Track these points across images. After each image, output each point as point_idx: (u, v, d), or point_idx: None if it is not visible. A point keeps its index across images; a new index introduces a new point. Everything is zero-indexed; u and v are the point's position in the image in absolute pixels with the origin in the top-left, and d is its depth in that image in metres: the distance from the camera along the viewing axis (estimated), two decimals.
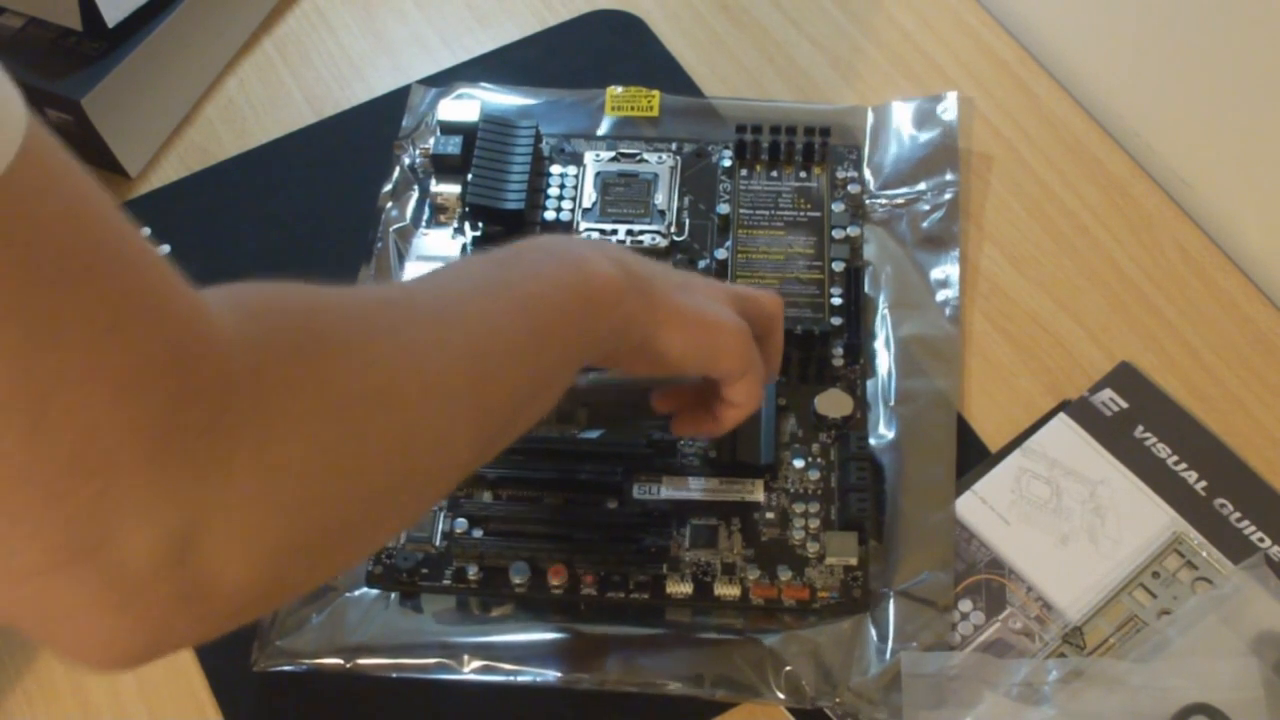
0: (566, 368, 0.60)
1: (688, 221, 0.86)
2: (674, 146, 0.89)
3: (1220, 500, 0.75)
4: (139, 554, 0.39)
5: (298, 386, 0.45)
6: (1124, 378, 0.80)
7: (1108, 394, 0.79)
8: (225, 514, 0.41)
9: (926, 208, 0.86)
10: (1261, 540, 0.74)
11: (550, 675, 0.71)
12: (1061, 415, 0.79)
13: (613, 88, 0.92)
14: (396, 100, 0.93)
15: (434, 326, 0.52)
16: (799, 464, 0.76)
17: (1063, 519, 0.75)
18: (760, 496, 0.75)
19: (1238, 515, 0.75)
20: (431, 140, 0.88)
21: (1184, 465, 0.77)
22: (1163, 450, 0.77)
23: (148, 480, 0.39)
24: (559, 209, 0.86)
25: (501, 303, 0.56)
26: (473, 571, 0.73)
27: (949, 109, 0.90)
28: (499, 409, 0.55)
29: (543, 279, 0.58)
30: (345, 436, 0.46)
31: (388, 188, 0.88)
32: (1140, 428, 0.78)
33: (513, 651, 0.71)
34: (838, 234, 0.84)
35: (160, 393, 0.39)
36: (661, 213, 0.86)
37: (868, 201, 0.87)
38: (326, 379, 0.46)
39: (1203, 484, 0.76)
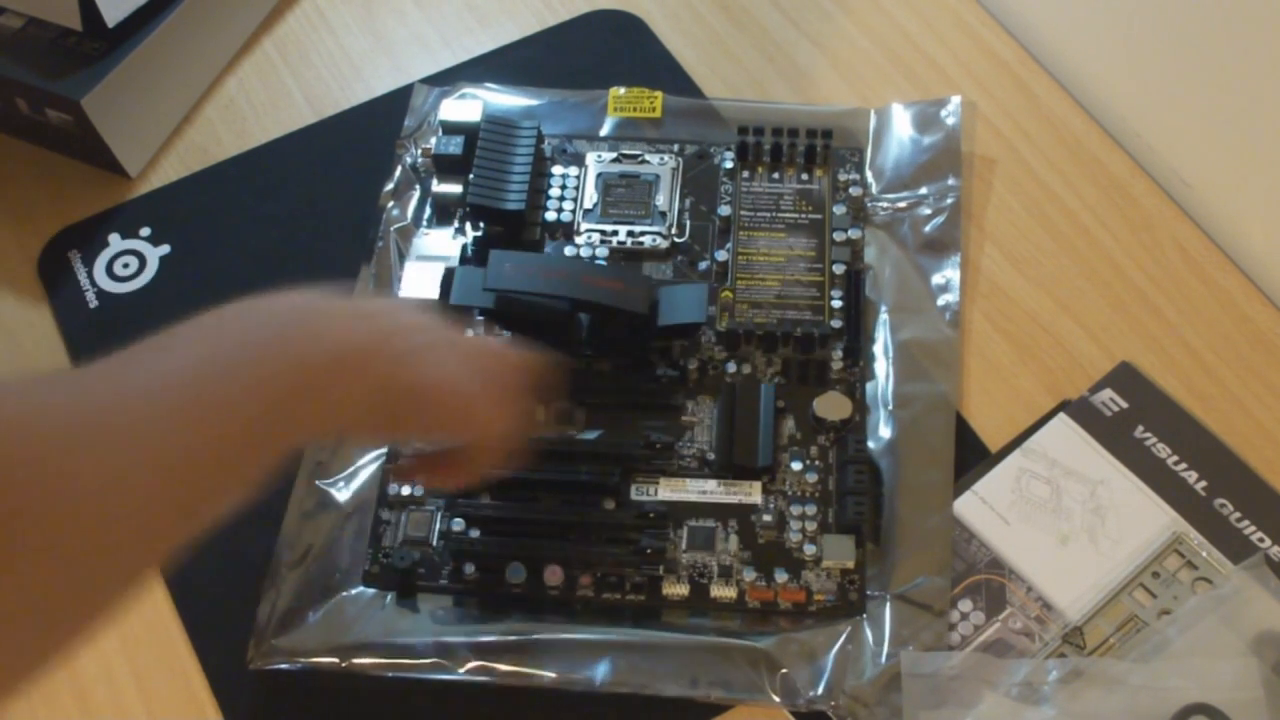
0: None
1: (689, 223, 0.86)
2: (675, 148, 0.89)
3: (1220, 500, 0.75)
4: None
5: None
6: (1124, 378, 0.80)
7: (1108, 394, 0.79)
8: None
9: (928, 212, 0.86)
10: (1261, 540, 0.74)
11: (546, 676, 0.71)
12: (1061, 415, 0.79)
13: (615, 89, 0.92)
14: (397, 100, 0.93)
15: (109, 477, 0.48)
16: (797, 466, 0.76)
17: (1063, 519, 0.75)
18: (758, 499, 0.75)
19: (1238, 515, 0.75)
20: (433, 140, 0.88)
21: (1184, 465, 0.76)
22: (1163, 450, 0.77)
23: None
24: (560, 210, 0.86)
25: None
26: (469, 571, 0.73)
27: (952, 113, 0.90)
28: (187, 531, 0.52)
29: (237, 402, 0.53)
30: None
31: (389, 187, 0.88)
32: (1140, 428, 0.78)
33: (509, 652, 0.71)
34: (839, 236, 0.84)
35: None
36: (662, 214, 0.86)
37: (869, 204, 0.86)
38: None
39: (1203, 484, 0.76)
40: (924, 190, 0.87)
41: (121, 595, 0.50)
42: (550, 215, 0.86)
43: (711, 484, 0.76)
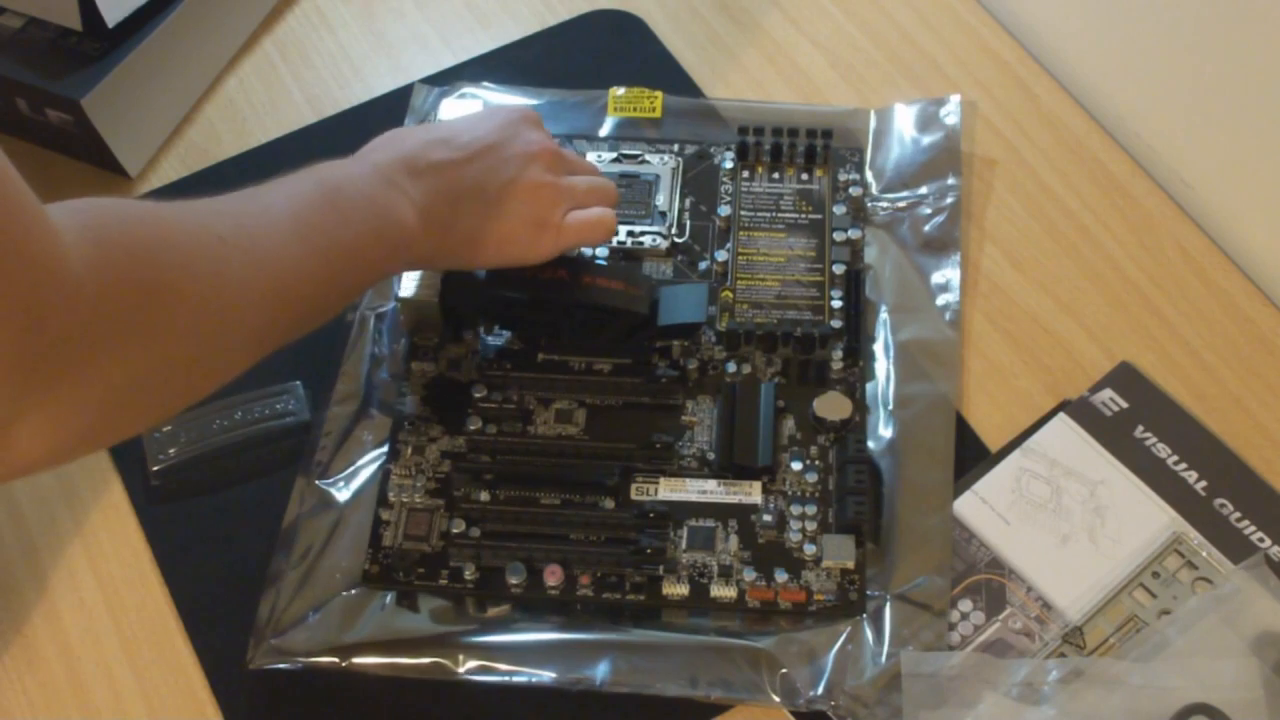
0: (356, 293, 0.77)
1: (689, 223, 0.86)
2: (676, 148, 0.89)
3: (1220, 500, 0.75)
4: None
5: (126, 322, 0.54)
6: (1124, 378, 0.80)
7: (1108, 394, 0.79)
8: (39, 413, 0.52)
9: (928, 212, 0.86)
10: (1261, 540, 0.74)
11: (546, 676, 0.71)
12: (1061, 415, 0.79)
13: (615, 89, 0.92)
14: (397, 100, 0.93)
15: (247, 267, 0.61)
16: (797, 466, 0.76)
17: (1063, 519, 0.75)
18: (758, 498, 0.75)
19: (1238, 515, 0.75)
20: None
21: (1184, 465, 0.76)
22: (1163, 450, 0.77)
23: None
24: None
25: (309, 249, 0.65)
26: (469, 572, 0.73)
27: (952, 113, 0.90)
28: (285, 333, 0.66)
29: (350, 227, 0.67)
30: (153, 364, 0.56)
31: None
32: (1140, 428, 0.78)
33: (508, 652, 0.71)
34: (839, 236, 0.84)
35: (11, 329, 0.49)
36: (663, 214, 0.86)
37: (869, 204, 0.86)
38: (151, 317, 0.56)
39: (1203, 484, 0.76)
40: (924, 190, 0.87)
41: (233, 375, 0.63)
42: None
43: (711, 484, 0.76)
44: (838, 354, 0.80)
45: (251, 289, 0.61)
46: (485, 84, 0.93)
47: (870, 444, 0.77)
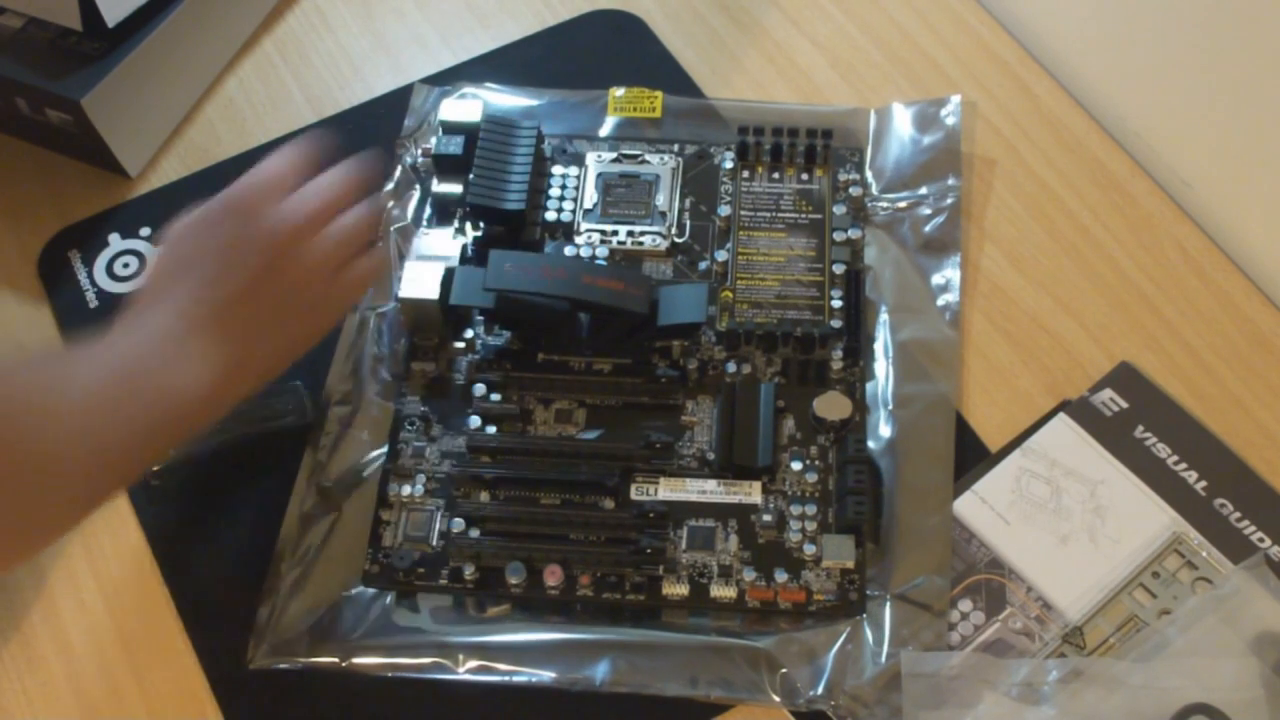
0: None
1: (689, 223, 0.86)
2: (676, 148, 0.89)
3: (1220, 500, 0.75)
4: None
5: None
6: (1124, 378, 0.80)
7: (1108, 394, 0.79)
8: None
9: (928, 212, 0.86)
10: (1261, 540, 0.74)
11: (546, 676, 0.71)
12: (1061, 415, 0.79)
13: (615, 89, 0.92)
14: (397, 100, 0.93)
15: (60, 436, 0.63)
16: (797, 466, 0.76)
17: (1063, 519, 0.75)
18: (758, 498, 0.75)
19: (1238, 515, 0.75)
20: (433, 140, 0.88)
21: (1184, 465, 0.76)
22: (1163, 450, 0.77)
23: None
24: (560, 210, 0.86)
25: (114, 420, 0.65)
26: (469, 571, 0.73)
27: (952, 113, 0.90)
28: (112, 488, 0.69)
29: (139, 424, 0.66)
30: None
31: (389, 186, 0.88)
32: (1140, 428, 0.78)
33: (508, 652, 0.71)
34: (839, 236, 0.84)
35: None
36: (663, 214, 0.86)
37: (869, 204, 0.86)
38: None
39: (1203, 484, 0.76)
40: (924, 190, 0.87)
41: (45, 540, 0.67)
42: (550, 215, 0.86)
43: (711, 484, 0.76)
44: (838, 354, 0.80)
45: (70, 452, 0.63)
46: (485, 84, 0.93)
47: (870, 444, 0.77)
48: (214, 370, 0.68)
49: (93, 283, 0.86)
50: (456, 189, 0.86)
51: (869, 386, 0.79)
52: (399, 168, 0.89)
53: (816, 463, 0.76)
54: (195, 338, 0.68)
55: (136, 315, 0.69)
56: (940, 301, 0.83)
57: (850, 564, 0.73)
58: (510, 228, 0.84)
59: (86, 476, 0.64)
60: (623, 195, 0.86)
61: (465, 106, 0.88)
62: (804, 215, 0.85)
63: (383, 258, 0.77)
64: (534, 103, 0.92)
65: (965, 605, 0.73)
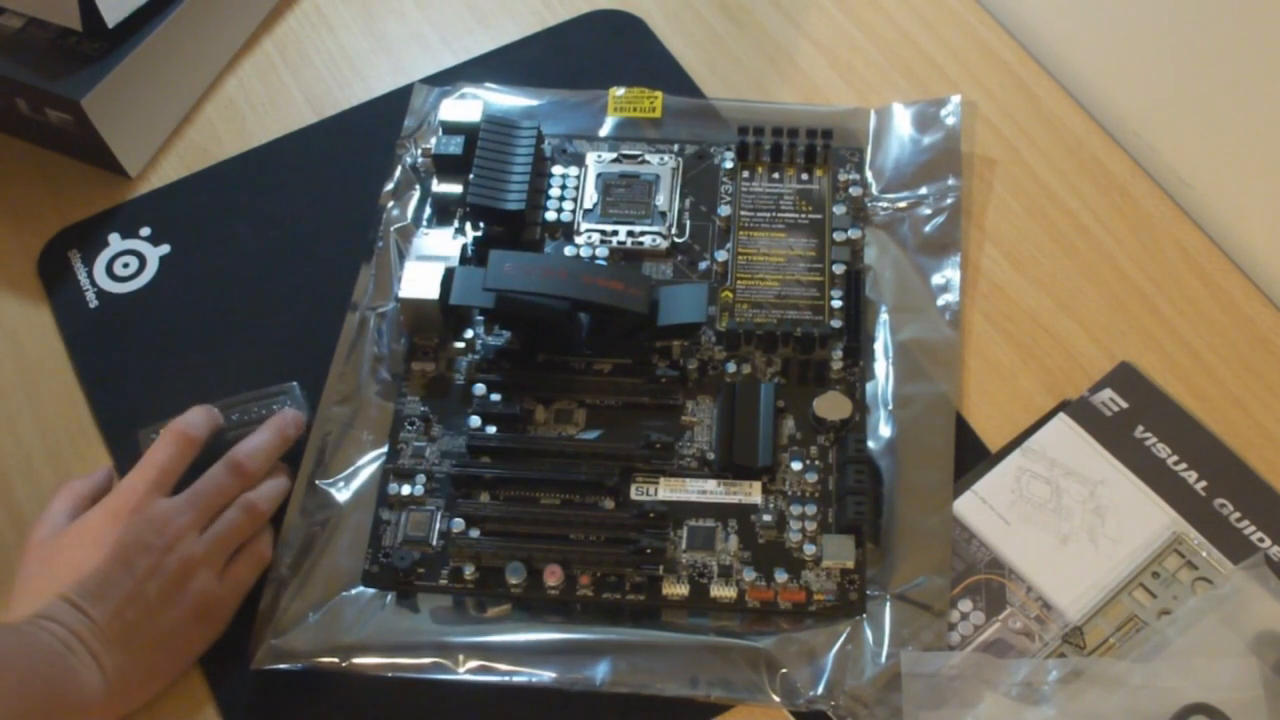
0: None
1: (689, 223, 0.86)
2: (676, 148, 0.89)
3: (1220, 500, 0.75)
4: None
5: None
6: (1124, 378, 0.80)
7: (1108, 394, 0.79)
8: None
9: (928, 212, 0.86)
10: (1261, 540, 0.74)
11: (546, 676, 0.71)
12: (1061, 415, 0.79)
13: (615, 89, 0.92)
14: (397, 100, 0.93)
15: None
16: (797, 466, 0.76)
17: (1063, 519, 0.75)
18: (758, 498, 0.75)
19: (1238, 515, 0.75)
20: (433, 140, 0.88)
21: (1184, 465, 0.76)
22: (1163, 450, 0.77)
23: None
24: (560, 210, 0.86)
25: None
26: (469, 571, 0.73)
27: (952, 113, 0.90)
28: None
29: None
30: None
31: (389, 187, 0.88)
32: (1140, 428, 0.78)
33: (508, 652, 0.71)
34: (839, 236, 0.84)
35: None
36: (662, 214, 0.86)
37: (869, 204, 0.86)
38: None
39: (1203, 484, 0.76)
40: (924, 190, 0.87)
41: None
42: (550, 215, 0.86)
43: (711, 484, 0.76)
44: (838, 354, 0.80)
45: None
46: (485, 84, 0.93)
47: (870, 444, 0.77)
48: (112, 680, 0.67)
49: (92, 282, 0.86)
50: (456, 189, 0.86)
51: (869, 386, 0.79)
52: (399, 168, 0.89)
53: (816, 463, 0.76)
54: (100, 649, 0.67)
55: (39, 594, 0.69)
56: (940, 301, 0.83)
57: (850, 564, 0.73)
58: (510, 228, 0.84)
59: None
60: (623, 195, 0.86)
61: (465, 106, 0.88)
62: (804, 215, 0.85)
63: (263, 552, 0.75)
64: (534, 103, 0.92)
65: (965, 605, 0.73)
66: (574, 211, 0.86)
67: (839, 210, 0.85)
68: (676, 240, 0.85)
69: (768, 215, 0.85)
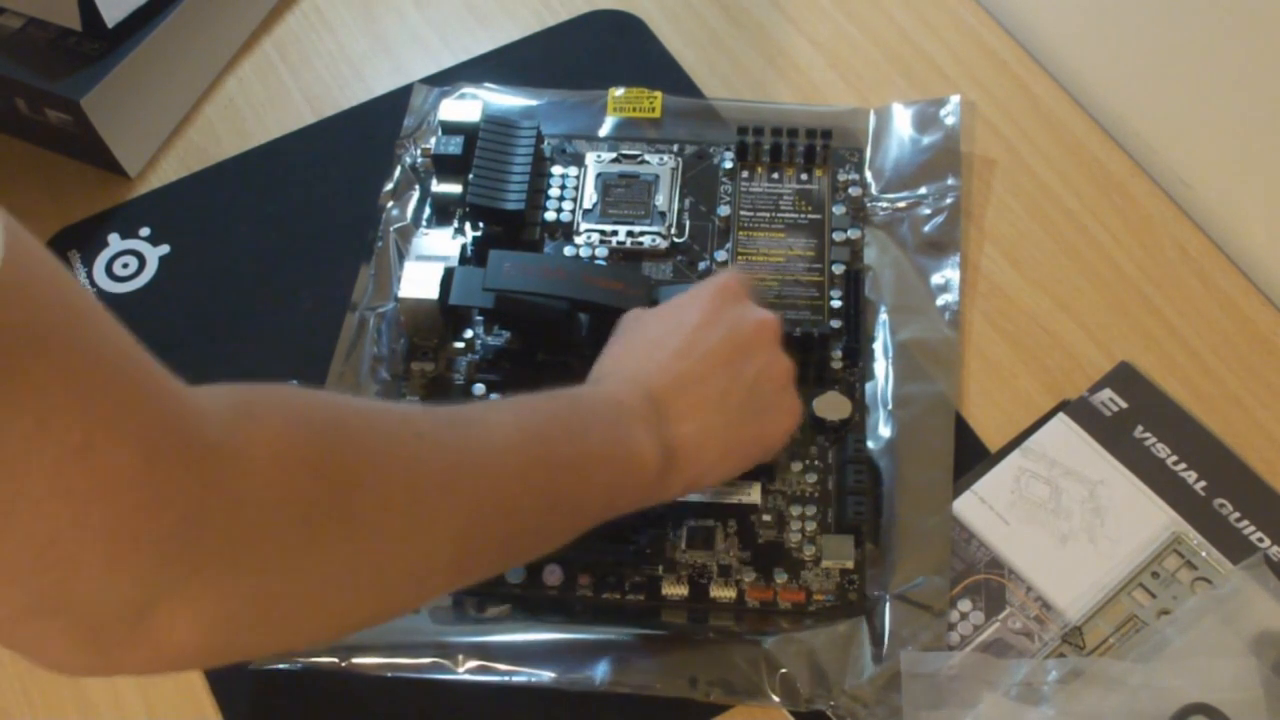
0: (576, 525, 0.63)
1: (688, 223, 0.86)
2: (675, 148, 0.89)
3: (1220, 500, 0.75)
4: (99, 613, 0.44)
5: (295, 514, 0.48)
6: (1124, 378, 0.80)
7: (1107, 394, 0.79)
8: (181, 597, 0.45)
9: (928, 212, 0.86)
10: (1261, 540, 0.74)
11: (545, 676, 0.71)
12: (1061, 415, 0.79)
13: (614, 89, 0.92)
14: (397, 100, 0.93)
15: (449, 469, 0.55)
16: (796, 466, 0.76)
17: (1062, 519, 0.75)
18: (757, 498, 0.75)
19: (1237, 515, 0.75)
20: (433, 140, 0.88)
21: (1184, 465, 0.76)
22: (1162, 450, 0.77)
23: (107, 573, 0.43)
24: (559, 210, 0.86)
25: (526, 459, 0.59)
26: None
27: (951, 113, 0.90)
28: (492, 557, 0.59)
29: (580, 442, 0.61)
30: (315, 577, 0.50)
31: (389, 187, 0.88)
32: (1140, 428, 0.78)
33: (508, 652, 0.71)
34: (838, 236, 0.84)
35: (126, 504, 0.42)
36: (662, 214, 0.86)
37: (869, 204, 0.86)
38: (330, 510, 0.49)
39: (1202, 484, 0.76)
40: (923, 190, 0.87)
41: (424, 599, 0.59)
42: (550, 215, 0.86)
43: None
44: (837, 354, 0.80)
45: (454, 494, 0.55)
46: (485, 84, 0.93)
47: (870, 444, 0.77)
48: (667, 460, 0.65)
49: (92, 283, 0.86)
50: (456, 189, 0.86)
51: (869, 386, 0.79)
52: (399, 168, 0.89)
53: (816, 463, 0.76)
54: (668, 430, 0.65)
55: (620, 361, 0.69)
56: (940, 301, 0.83)
57: (850, 564, 0.73)
58: (510, 228, 0.84)
59: (471, 527, 0.56)
60: (622, 195, 0.86)
61: (465, 107, 0.88)
62: (803, 215, 0.85)
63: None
64: (533, 103, 0.92)
65: (965, 605, 0.73)
66: (573, 211, 0.86)
67: (838, 210, 0.85)
68: (676, 240, 0.85)
69: (767, 215, 0.85)
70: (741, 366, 0.68)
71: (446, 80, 0.95)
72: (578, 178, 0.87)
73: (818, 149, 0.87)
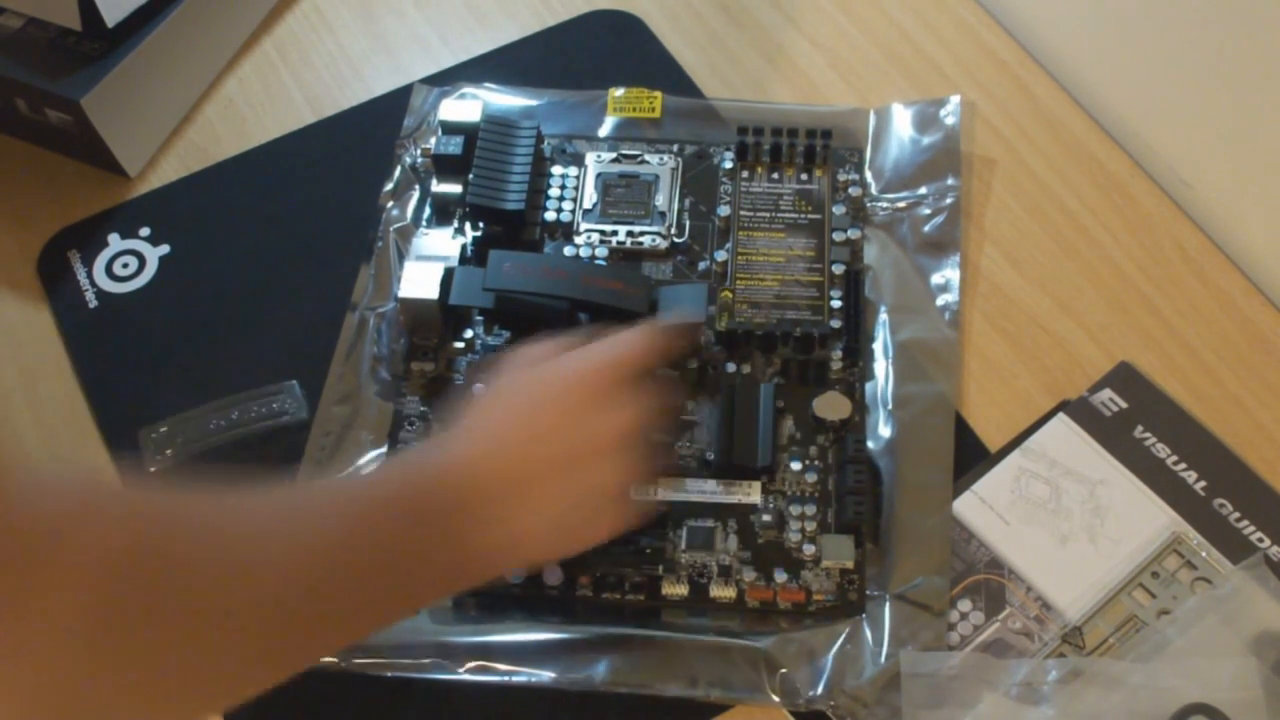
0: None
1: (688, 223, 0.86)
2: (675, 148, 0.89)
3: (1220, 500, 0.75)
4: None
5: (89, 629, 0.49)
6: (1124, 378, 0.80)
7: (1107, 394, 0.79)
8: None
9: (928, 212, 0.86)
10: (1261, 540, 0.74)
11: (545, 676, 0.71)
12: (1061, 415, 0.79)
13: (614, 89, 0.92)
14: (397, 100, 0.93)
15: (259, 589, 0.57)
16: (796, 466, 0.76)
17: (1062, 519, 0.75)
18: (757, 498, 0.75)
19: (1237, 515, 0.75)
20: (433, 140, 0.88)
21: (1184, 465, 0.76)
22: (1162, 450, 0.77)
23: None
24: (559, 210, 0.86)
25: (338, 566, 0.60)
26: None
27: (951, 113, 0.90)
28: (298, 659, 0.61)
29: (405, 540, 0.62)
30: (109, 688, 0.51)
31: (389, 187, 0.88)
32: (1140, 428, 0.78)
33: (508, 652, 0.71)
34: (838, 236, 0.84)
35: None
36: (662, 214, 0.86)
37: (869, 204, 0.86)
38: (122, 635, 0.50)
39: (1202, 484, 0.76)
40: (923, 190, 0.87)
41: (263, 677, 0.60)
42: (550, 215, 0.86)
43: (711, 484, 0.76)
44: (837, 354, 0.80)
45: (263, 608, 0.58)
46: (485, 84, 0.93)
47: (870, 444, 0.77)
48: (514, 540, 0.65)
49: (92, 283, 0.86)
50: (456, 189, 0.86)
51: (868, 386, 0.79)
52: (398, 168, 0.89)
53: (816, 463, 0.76)
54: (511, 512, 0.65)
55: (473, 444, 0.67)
56: (940, 301, 0.83)
57: (850, 564, 0.73)
58: (510, 228, 0.84)
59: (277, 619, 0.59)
60: (622, 195, 0.86)
61: (465, 107, 0.88)
62: (803, 215, 0.85)
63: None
64: (533, 103, 0.92)
65: (965, 605, 0.73)
66: (573, 211, 0.86)
67: (838, 210, 0.85)
68: (676, 240, 0.85)
69: (767, 215, 0.85)
70: (580, 476, 0.66)
71: (446, 80, 0.95)
72: (578, 178, 0.87)
73: (818, 149, 0.87)
